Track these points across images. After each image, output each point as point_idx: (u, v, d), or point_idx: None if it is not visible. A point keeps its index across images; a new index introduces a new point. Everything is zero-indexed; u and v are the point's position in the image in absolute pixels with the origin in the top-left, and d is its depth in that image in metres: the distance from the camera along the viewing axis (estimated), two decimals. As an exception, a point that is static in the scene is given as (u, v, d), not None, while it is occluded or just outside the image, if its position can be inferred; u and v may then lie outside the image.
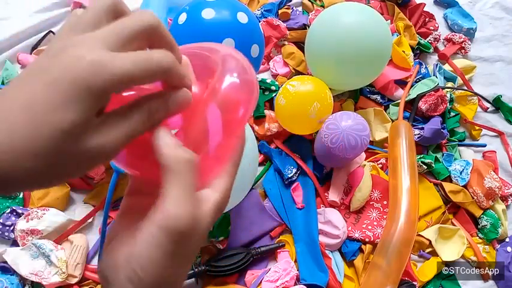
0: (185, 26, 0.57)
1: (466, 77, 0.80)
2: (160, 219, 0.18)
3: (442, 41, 0.85)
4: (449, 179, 0.69)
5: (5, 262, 0.53)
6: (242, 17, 0.57)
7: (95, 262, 0.57)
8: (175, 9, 0.64)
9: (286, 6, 0.81)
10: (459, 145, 0.73)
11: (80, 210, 0.60)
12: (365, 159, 0.67)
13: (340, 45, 0.61)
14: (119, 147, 0.18)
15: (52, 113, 0.16)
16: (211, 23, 0.55)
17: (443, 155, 0.71)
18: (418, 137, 0.68)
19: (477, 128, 0.76)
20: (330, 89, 0.64)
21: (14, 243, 0.56)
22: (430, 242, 0.62)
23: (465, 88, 0.78)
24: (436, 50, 0.84)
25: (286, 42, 0.77)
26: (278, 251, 0.60)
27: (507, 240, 0.65)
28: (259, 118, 0.68)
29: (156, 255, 0.18)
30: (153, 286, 0.19)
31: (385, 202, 0.63)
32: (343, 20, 0.62)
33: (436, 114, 0.72)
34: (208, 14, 0.56)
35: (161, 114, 0.19)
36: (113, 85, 0.17)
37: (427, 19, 0.85)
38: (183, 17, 0.57)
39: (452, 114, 0.75)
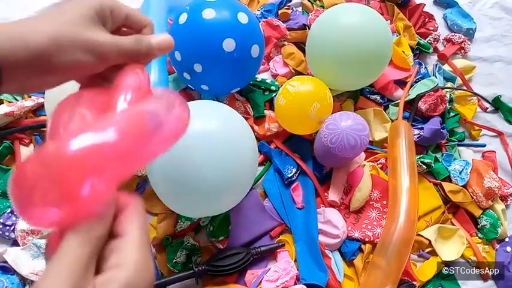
0: (186, 26, 0.57)
1: (466, 77, 0.80)
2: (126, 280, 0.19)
3: (441, 41, 0.86)
4: (448, 179, 0.69)
5: (6, 262, 0.53)
6: (242, 17, 0.58)
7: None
8: (176, 9, 0.64)
9: (286, 7, 0.81)
10: (459, 145, 0.73)
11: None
12: (365, 159, 0.67)
13: (341, 46, 0.61)
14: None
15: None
16: (212, 23, 0.56)
17: (442, 155, 0.71)
18: (417, 137, 0.68)
19: (477, 128, 0.76)
20: (330, 89, 0.64)
21: (15, 243, 0.56)
22: (430, 241, 0.62)
23: (465, 88, 0.79)
24: (435, 50, 0.84)
25: (286, 43, 0.77)
26: (278, 250, 0.60)
27: (507, 240, 0.65)
28: (259, 118, 0.68)
29: None
30: None
31: (384, 202, 0.63)
32: (344, 21, 0.62)
33: (435, 114, 0.72)
34: (208, 14, 0.56)
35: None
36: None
37: (426, 19, 0.86)
38: (183, 17, 0.58)
39: (451, 114, 0.75)
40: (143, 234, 0.21)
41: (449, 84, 0.78)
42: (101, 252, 0.21)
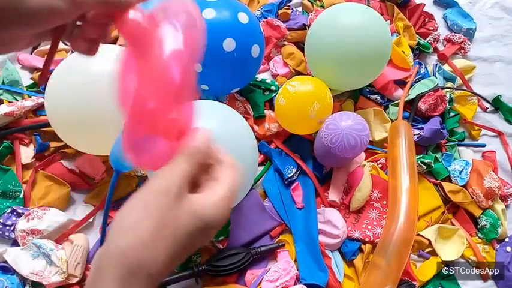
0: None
1: (466, 77, 0.80)
2: (201, 210, 0.23)
3: (441, 41, 0.86)
4: (448, 179, 0.69)
5: (6, 262, 0.53)
6: (243, 17, 0.58)
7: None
8: None
9: (286, 7, 0.81)
10: (459, 145, 0.74)
11: (80, 210, 0.60)
12: (365, 159, 0.67)
13: (340, 45, 0.61)
14: None
15: None
16: (212, 22, 0.56)
17: (442, 155, 0.71)
18: (417, 137, 0.68)
19: (477, 128, 0.76)
20: (330, 89, 0.64)
21: (15, 243, 0.56)
22: (430, 241, 0.62)
23: (465, 88, 0.79)
24: (435, 50, 0.84)
25: (286, 43, 0.77)
26: (278, 250, 0.60)
27: (506, 240, 0.65)
28: (259, 118, 0.68)
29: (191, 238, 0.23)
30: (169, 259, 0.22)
31: (384, 202, 0.63)
32: (343, 20, 0.62)
33: (435, 114, 0.72)
34: (209, 14, 0.56)
35: None
36: None
37: (426, 19, 0.86)
38: None
39: (451, 114, 0.75)
40: (234, 183, 0.25)
41: (449, 84, 0.78)
42: (198, 187, 0.25)
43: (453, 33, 0.85)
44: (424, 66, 0.78)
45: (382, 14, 0.84)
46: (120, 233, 0.22)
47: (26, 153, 0.62)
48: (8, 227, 0.55)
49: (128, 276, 0.20)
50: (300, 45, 0.77)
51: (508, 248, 0.64)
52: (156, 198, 0.22)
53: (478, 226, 0.66)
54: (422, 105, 0.71)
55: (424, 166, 0.66)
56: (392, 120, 0.70)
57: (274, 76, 0.75)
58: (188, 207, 0.23)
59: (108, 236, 0.22)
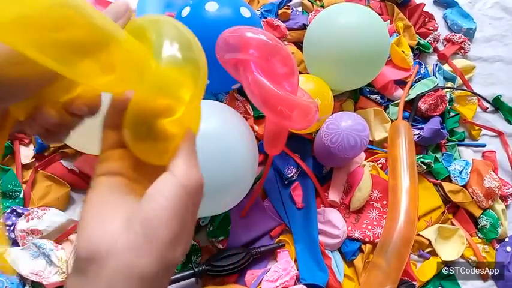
0: (188, 19, 0.57)
1: (466, 77, 0.80)
2: (183, 180, 0.21)
3: (441, 41, 0.85)
4: (448, 179, 0.69)
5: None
6: (245, 12, 0.58)
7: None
8: (174, 4, 0.64)
9: (286, 7, 0.81)
10: (459, 145, 0.73)
11: (80, 210, 0.60)
12: (365, 159, 0.67)
13: (338, 45, 0.61)
14: None
15: None
16: (215, 16, 0.56)
17: (442, 155, 0.71)
18: (417, 137, 0.68)
19: (477, 128, 0.76)
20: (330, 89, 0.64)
21: (14, 243, 0.56)
22: (430, 241, 0.62)
23: (465, 88, 0.78)
24: (435, 50, 0.84)
25: (286, 43, 0.77)
26: (278, 250, 0.60)
27: (507, 240, 0.65)
28: (259, 118, 0.68)
29: (177, 207, 0.20)
30: (171, 240, 0.20)
31: (384, 202, 0.63)
32: (340, 20, 0.62)
33: (435, 114, 0.72)
34: (211, 7, 0.56)
35: None
36: None
37: (426, 19, 0.85)
38: (186, 11, 0.58)
39: (451, 114, 0.75)
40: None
41: (449, 84, 0.77)
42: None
43: (453, 33, 0.85)
44: (424, 66, 0.78)
45: (382, 14, 0.84)
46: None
47: (26, 153, 0.62)
48: (8, 227, 0.55)
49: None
50: (299, 45, 0.76)
51: (508, 248, 0.63)
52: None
53: (478, 226, 0.66)
54: (422, 105, 0.71)
55: (424, 166, 0.66)
56: (392, 120, 0.70)
57: (274, 76, 0.75)
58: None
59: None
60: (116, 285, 0.19)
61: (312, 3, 0.83)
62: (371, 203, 0.64)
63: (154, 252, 0.19)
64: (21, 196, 0.58)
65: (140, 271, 0.19)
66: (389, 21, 0.83)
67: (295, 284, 0.57)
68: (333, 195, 0.63)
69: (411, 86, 0.74)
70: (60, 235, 0.56)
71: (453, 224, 0.65)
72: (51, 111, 0.25)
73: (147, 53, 0.22)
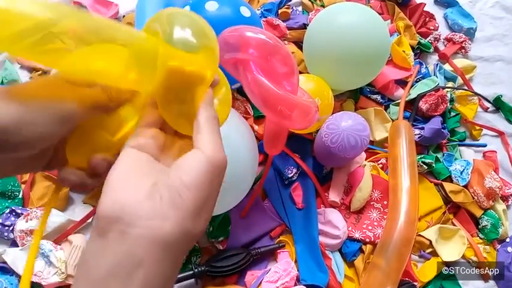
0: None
1: (467, 76, 0.80)
2: (210, 156, 0.22)
3: (442, 40, 0.85)
4: (449, 179, 0.69)
5: (5, 262, 0.53)
6: (245, 11, 0.58)
7: (94, 262, 0.56)
8: (173, 5, 0.63)
9: (286, 6, 0.80)
10: (459, 145, 0.73)
11: (79, 211, 0.60)
12: (365, 159, 0.67)
13: (338, 45, 0.61)
14: None
15: None
16: (215, 15, 0.56)
17: (443, 155, 0.71)
18: (418, 137, 0.68)
19: (477, 127, 0.75)
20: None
21: (14, 244, 0.56)
22: (431, 242, 0.62)
23: (465, 88, 0.78)
24: (436, 49, 0.84)
25: (286, 42, 0.77)
26: (278, 251, 0.59)
27: (508, 240, 0.65)
28: (259, 118, 0.68)
29: (203, 179, 0.21)
30: (194, 210, 0.21)
31: (385, 202, 0.63)
32: (341, 20, 0.62)
33: (436, 114, 0.71)
34: (211, 6, 0.56)
35: None
36: None
37: (427, 19, 0.85)
38: (186, 10, 0.58)
39: (452, 114, 0.75)
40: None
41: (450, 84, 0.77)
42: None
43: (454, 33, 0.85)
44: (424, 66, 0.78)
45: (382, 14, 0.84)
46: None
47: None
48: (7, 228, 0.55)
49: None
50: (300, 44, 0.76)
51: (509, 249, 0.63)
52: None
53: (479, 226, 0.66)
54: (423, 105, 0.71)
55: (424, 166, 0.66)
56: (393, 120, 0.70)
57: (274, 76, 0.74)
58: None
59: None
60: (137, 250, 0.19)
61: (312, 2, 0.83)
62: (372, 203, 0.63)
63: (179, 219, 0.20)
64: (20, 196, 0.58)
65: (163, 236, 0.19)
66: (389, 20, 0.83)
67: (295, 284, 0.56)
68: (334, 196, 0.63)
69: (412, 86, 0.74)
70: (59, 235, 0.56)
71: (454, 225, 0.65)
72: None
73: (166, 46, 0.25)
